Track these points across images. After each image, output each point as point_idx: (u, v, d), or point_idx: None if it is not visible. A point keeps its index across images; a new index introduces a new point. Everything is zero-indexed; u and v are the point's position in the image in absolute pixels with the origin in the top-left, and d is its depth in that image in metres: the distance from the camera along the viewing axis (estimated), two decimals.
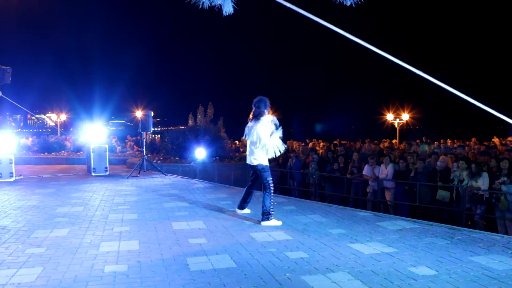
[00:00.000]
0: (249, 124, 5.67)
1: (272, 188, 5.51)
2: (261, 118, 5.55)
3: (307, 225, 5.41)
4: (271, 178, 5.57)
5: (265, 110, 5.58)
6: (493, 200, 7.70)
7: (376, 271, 3.64)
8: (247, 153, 5.73)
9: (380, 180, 9.54)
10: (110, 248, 4.40)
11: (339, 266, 3.78)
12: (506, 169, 7.62)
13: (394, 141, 21.80)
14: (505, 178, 7.54)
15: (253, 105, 5.64)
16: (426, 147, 14.10)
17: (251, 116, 5.67)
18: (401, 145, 16.99)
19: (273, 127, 5.57)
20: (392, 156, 10.30)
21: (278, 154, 5.65)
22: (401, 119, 34.00)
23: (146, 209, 6.50)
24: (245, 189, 6.01)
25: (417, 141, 17.48)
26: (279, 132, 5.57)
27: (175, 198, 7.56)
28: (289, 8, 3.07)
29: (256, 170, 5.64)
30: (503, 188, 7.53)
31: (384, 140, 18.56)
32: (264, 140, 5.47)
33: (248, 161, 5.72)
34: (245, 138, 5.79)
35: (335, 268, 3.73)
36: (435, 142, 16.58)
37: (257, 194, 6.79)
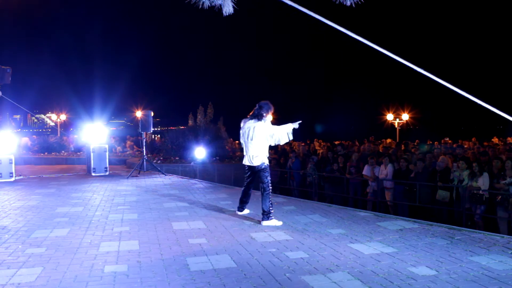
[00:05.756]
0: (247, 124, 5.63)
1: (270, 188, 5.53)
2: (264, 119, 5.54)
3: (307, 225, 5.42)
4: (270, 178, 5.59)
5: (265, 114, 5.57)
6: (497, 201, 7.66)
7: (376, 271, 3.64)
8: (246, 153, 5.67)
9: (380, 180, 9.54)
10: (110, 248, 4.40)
11: (339, 266, 3.78)
12: (510, 169, 7.59)
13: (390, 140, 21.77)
14: None
15: (257, 105, 5.62)
16: (425, 147, 14.10)
17: (250, 114, 5.66)
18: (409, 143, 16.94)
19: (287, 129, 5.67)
20: (392, 157, 10.30)
21: (291, 137, 5.67)
22: (401, 119, 34.03)
23: (146, 209, 6.50)
24: (242, 190, 6.00)
25: (416, 141, 17.48)
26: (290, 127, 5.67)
27: (175, 198, 7.56)
28: (290, 6, 3.06)
29: (256, 171, 5.63)
30: (511, 189, 7.48)
31: (383, 140, 18.55)
32: (275, 130, 5.56)
33: (246, 162, 5.68)
34: (243, 139, 5.70)
35: (335, 268, 3.73)
36: (435, 142, 16.59)
37: (256, 194, 6.78)
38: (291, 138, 5.67)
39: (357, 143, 15.66)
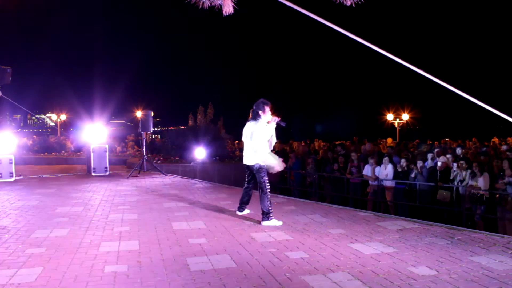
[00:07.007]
0: (246, 125, 5.72)
1: (268, 188, 5.52)
2: (259, 119, 5.56)
3: (307, 225, 5.41)
4: (267, 178, 5.57)
5: (261, 112, 5.58)
6: (495, 201, 7.67)
7: (376, 271, 3.64)
8: (244, 153, 5.74)
9: (380, 180, 9.53)
10: (110, 248, 4.40)
11: (339, 266, 3.78)
12: (509, 169, 7.59)
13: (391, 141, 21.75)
14: (511, 179, 7.49)
15: (253, 106, 5.68)
16: (424, 147, 14.09)
17: (249, 117, 5.71)
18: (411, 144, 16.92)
19: (273, 131, 5.61)
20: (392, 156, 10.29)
21: (273, 142, 5.68)
22: (401, 119, 34.07)
23: (146, 209, 6.50)
24: (243, 190, 6.00)
25: (416, 141, 17.47)
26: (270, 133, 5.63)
27: (175, 198, 7.56)
28: (290, 7, 3.07)
29: (252, 170, 5.65)
30: (509, 189, 7.49)
31: (382, 140, 18.53)
32: (260, 142, 5.52)
33: (245, 161, 5.74)
34: (243, 139, 5.82)
35: (335, 268, 3.73)
36: (435, 142, 16.57)
37: (257, 194, 6.78)
38: (273, 142, 5.70)
39: (357, 143, 15.65)
